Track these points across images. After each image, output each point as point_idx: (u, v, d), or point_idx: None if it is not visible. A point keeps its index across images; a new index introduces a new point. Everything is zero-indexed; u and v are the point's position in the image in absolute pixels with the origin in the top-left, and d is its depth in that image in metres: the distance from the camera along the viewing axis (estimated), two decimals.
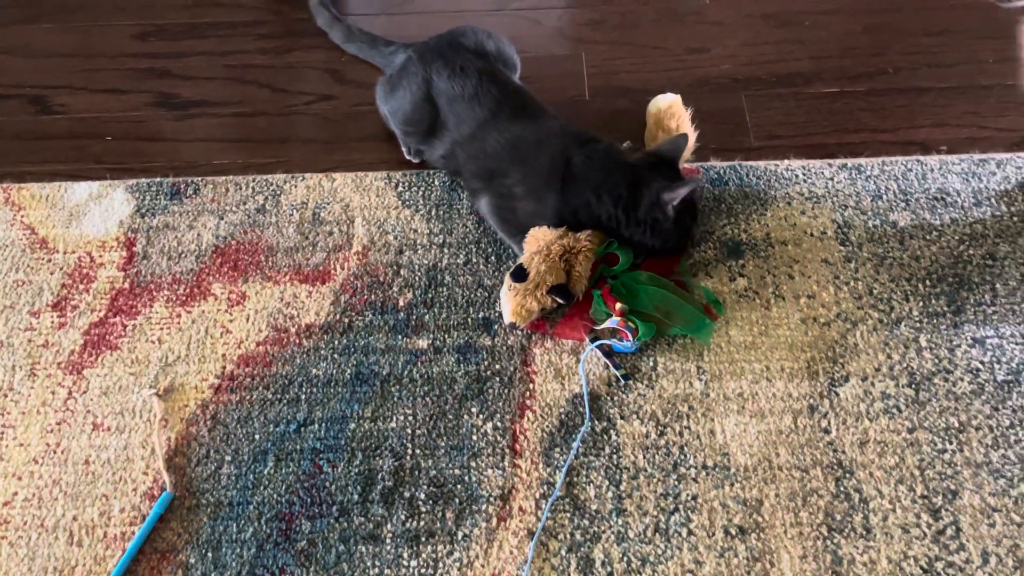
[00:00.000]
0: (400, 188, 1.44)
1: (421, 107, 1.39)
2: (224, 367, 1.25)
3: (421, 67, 1.40)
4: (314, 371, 1.25)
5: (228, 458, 1.18)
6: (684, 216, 1.28)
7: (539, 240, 1.27)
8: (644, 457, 1.16)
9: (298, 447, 1.18)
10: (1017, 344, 1.23)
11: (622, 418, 1.19)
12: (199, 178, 1.47)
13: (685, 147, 1.34)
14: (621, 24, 1.69)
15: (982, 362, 1.22)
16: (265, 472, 1.17)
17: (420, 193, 1.43)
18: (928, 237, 1.35)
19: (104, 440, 1.20)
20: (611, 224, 1.27)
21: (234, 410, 1.22)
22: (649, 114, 1.45)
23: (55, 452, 1.19)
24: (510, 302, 1.23)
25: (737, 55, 1.62)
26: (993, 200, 1.38)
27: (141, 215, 1.42)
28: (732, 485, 1.13)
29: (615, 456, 1.16)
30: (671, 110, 1.43)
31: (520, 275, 1.23)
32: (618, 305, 1.23)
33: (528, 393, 1.22)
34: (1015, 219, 1.36)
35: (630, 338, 1.21)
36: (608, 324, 1.23)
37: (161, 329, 1.29)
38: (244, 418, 1.21)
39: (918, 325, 1.26)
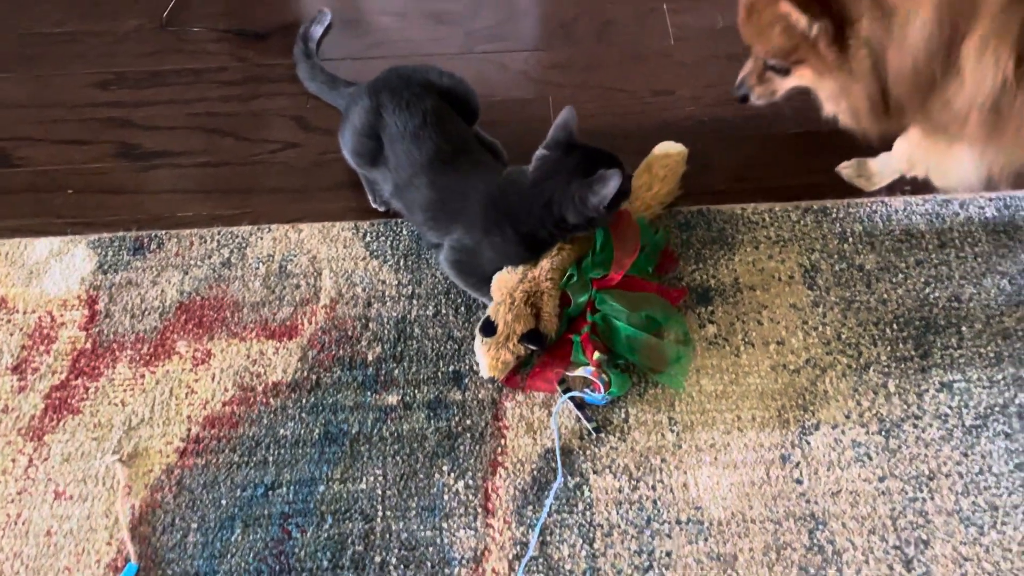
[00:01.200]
0: (368, 238, 1.43)
1: (363, 141, 1.37)
2: (189, 429, 1.23)
3: (368, 98, 1.37)
4: (282, 431, 1.23)
5: (194, 525, 1.15)
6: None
7: (502, 289, 1.26)
8: (617, 513, 1.15)
9: (266, 512, 1.16)
10: (984, 388, 1.24)
11: (595, 472, 1.19)
12: (163, 231, 1.44)
13: (573, 120, 1.26)
14: (587, 66, 1.69)
15: (950, 407, 1.23)
16: (232, 539, 1.14)
17: (388, 243, 1.42)
18: (894, 280, 1.36)
19: (66, 509, 1.17)
20: (553, 240, 1.27)
21: (200, 475, 1.19)
22: (652, 155, 1.44)
23: (16, 523, 1.16)
24: (485, 356, 1.22)
25: (702, 96, 1.63)
26: (957, 241, 1.39)
27: (103, 271, 1.39)
28: (706, 540, 1.13)
29: (588, 512, 1.15)
30: (668, 159, 1.42)
31: (489, 329, 1.23)
32: (596, 355, 1.22)
33: (500, 449, 1.21)
34: (979, 260, 1.37)
35: (602, 390, 1.20)
36: (581, 372, 1.23)
37: (124, 391, 1.27)
38: (210, 483, 1.19)
39: (886, 370, 1.26)
